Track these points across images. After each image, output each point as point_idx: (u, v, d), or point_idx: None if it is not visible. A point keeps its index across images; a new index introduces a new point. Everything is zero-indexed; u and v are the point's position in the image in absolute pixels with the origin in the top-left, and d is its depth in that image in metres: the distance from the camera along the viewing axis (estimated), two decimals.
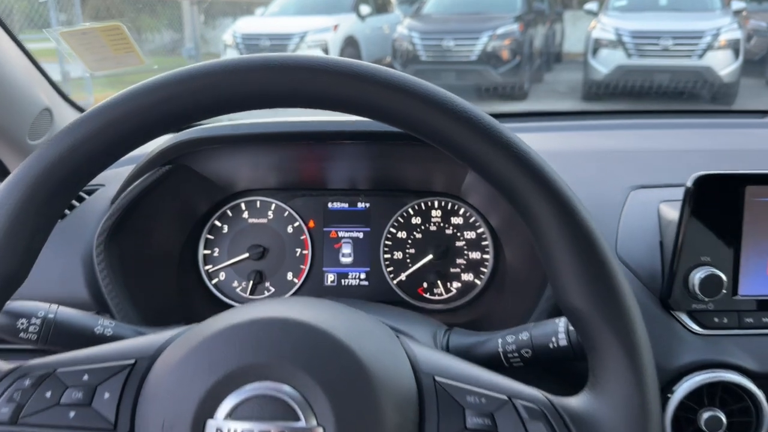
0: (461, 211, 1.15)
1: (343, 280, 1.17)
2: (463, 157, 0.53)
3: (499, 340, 0.76)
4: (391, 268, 1.16)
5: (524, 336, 0.75)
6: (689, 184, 0.87)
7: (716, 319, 0.91)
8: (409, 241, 1.15)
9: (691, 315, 0.91)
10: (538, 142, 0.80)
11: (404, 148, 1.03)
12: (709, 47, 7.40)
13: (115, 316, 0.95)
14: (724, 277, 0.87)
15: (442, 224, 1.15)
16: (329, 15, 8.89)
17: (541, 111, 1.61)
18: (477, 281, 1.14)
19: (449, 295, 1.14)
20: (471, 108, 0.53)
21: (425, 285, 1.15)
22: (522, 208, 0.53)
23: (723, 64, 7.36)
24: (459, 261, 1.14)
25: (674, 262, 0.89)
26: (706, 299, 0.89)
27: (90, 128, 0.52)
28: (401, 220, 1.16)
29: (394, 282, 1.16)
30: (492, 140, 0.52)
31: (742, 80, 7.50)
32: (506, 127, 0.53)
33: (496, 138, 0.52)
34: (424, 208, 1.15)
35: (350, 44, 8.98)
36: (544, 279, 0.92)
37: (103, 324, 0.80)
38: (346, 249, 1.17)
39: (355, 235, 1.17)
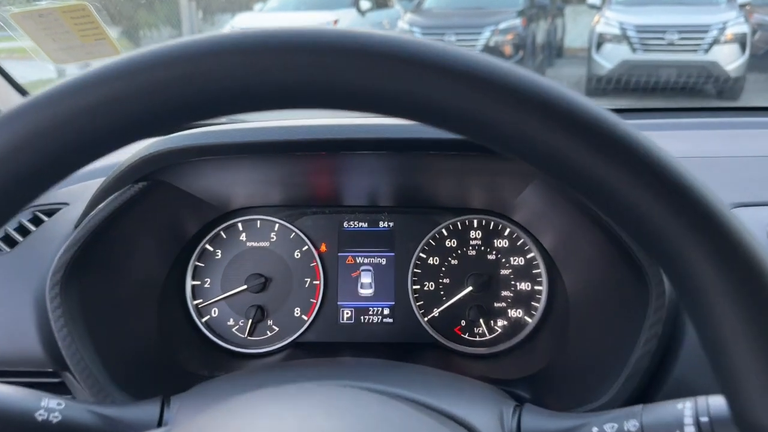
0: (506, 232, 0.97)
1: (362, 317, 0.99)
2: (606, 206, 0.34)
3: (594, 430, 0.55)
4: (421, 302, 0.99)
5: (631, 426, 0.52)
6: None
7: None
8: (443, 269, 0.98)
9: None
10: None
11: (437, 159, 0.83)
12: (716, 41, 7.30)
13: (75, 377, 0.77)
14: None
15: (483, 248, 0.97)
16: (329, 10, 8.78)
17: None
18: (528, 318, 0.96)
19: (493, 335, 0.96)
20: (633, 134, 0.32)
21: (463, 323, 0.97)
22: (680, 275, 0.33)
23: (729, 59, 7.25)
24: (504, 293, 0.96)
25: None
26: None
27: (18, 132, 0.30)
28: (433, 243, 0.99)
29: (426, 319, 0.98)
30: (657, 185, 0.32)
31: (746, 75, 7.40)
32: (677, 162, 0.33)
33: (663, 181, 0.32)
34: (460, 228, 0.98)
35: None
36: (628, 318, 0.74)
37: (48, 407, 0.58)
38: (366, 278, 1.00)
39: (376, 261, 1.00)
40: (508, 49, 7.92)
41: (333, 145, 0.79)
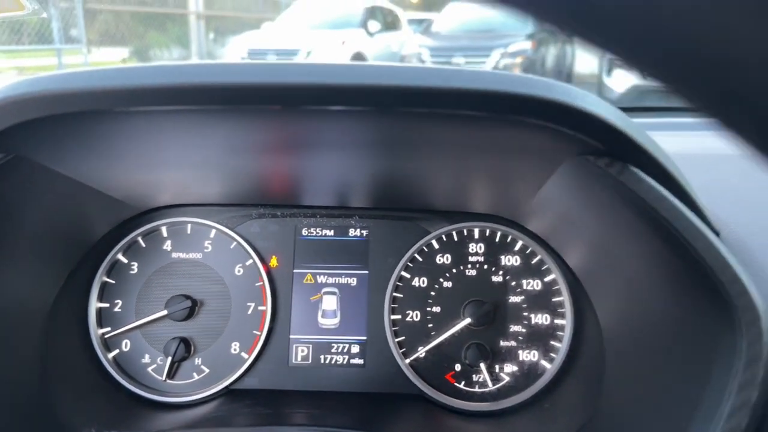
0: (518, 245, 0.73)
1: (323, 357, 0.75)
2: None
3: None
4: (402, 338, 0.75)
5: None
6: None
7: None
8: (433, 294, 0.76)
9: None
10: None
11: (434, 126, 0.56)
12: None
13: None
14: None
15: (486, 266, 0.75)
16: (337, 30, 8.80)
17: None
18: (546, 363, 0.72)
19: (499, 385, 0.73)
20: None
21: (458, 368, 0.74)
22: None
23: None
24: (514, 328, 0.73)
25: None
26: None
27: None
28: (420, 259, 0.76)
29: (407, 361, 0.75)
30: None
31: None
32: None
33: None
34: (457, 239, 0.76)
35: (358, 60, 8.83)
36: (698, 372, 0.51)
37: None
38: (330, 304, 0.77)
39: (344, 281, 0.77)
40: (517, 72, 7.84)
41: (285, 93, 0.49)
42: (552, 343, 0.72)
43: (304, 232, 0.78)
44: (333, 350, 0.76)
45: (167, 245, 0.78)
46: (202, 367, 0.76)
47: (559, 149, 0.57)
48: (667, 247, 0.54)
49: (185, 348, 0.74)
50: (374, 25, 9.45)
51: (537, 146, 0.58)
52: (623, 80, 7.60)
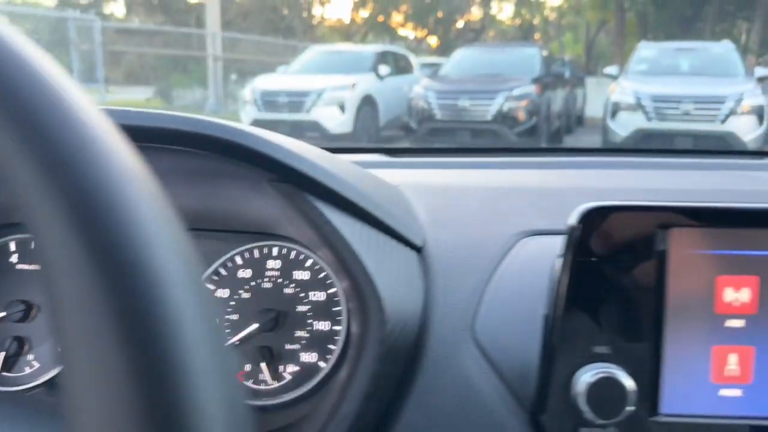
0: (308, 263, 0.82)
1: None
2: None
3: None
4: None
5: None
6: (573, 220, 0.59)
7: None
8: (232, 303, 0.83)
9: None
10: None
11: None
12: (732, 112, 7.23)
13: None
14: (630, 383, 0.58)
15: (281, 280, 0.83)
16: (348, 74, 9.01)
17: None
18: (322, 363, 0.79)
19: (281, 383, 0.80)
20: None
21: (248, 368, 0.81)
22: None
23: (747, 130, 7.16)
24: (299, 333, 0.80)
25: (550, 353, 0.60)
26: (600, 421, 0.58)
27: None
28: (224, 273, 0.84)
29: None
30: None
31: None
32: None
33: None
34: (258, 256, 0.84)
35: (367, 102, 9.03)
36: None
37: None
38: None
39: None
40: (521, 115, 7.96)
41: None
42: (329, 346, 0.80)
43: None
44: None
45: (13, 258, 0.86)
46: (34, 362, 0.84)
47: (253, 176, 0.67)
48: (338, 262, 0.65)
49: (20, 346, 0.82)
50: (384, 69, 9.67)
51: (236, 173, 0.69)
52: (627, 123, 7.69)
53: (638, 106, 7.51)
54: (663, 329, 0.59)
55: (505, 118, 7.93)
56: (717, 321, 0.60)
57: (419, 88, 8.63)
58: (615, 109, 7.75)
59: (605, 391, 0.57)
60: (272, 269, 0.83)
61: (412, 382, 0.65)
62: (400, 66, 10.60)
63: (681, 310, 0.60)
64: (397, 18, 23.22)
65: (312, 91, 8.62)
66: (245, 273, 0.84)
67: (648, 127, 7.43)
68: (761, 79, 8.50)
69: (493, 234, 0.74)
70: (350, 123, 8.54)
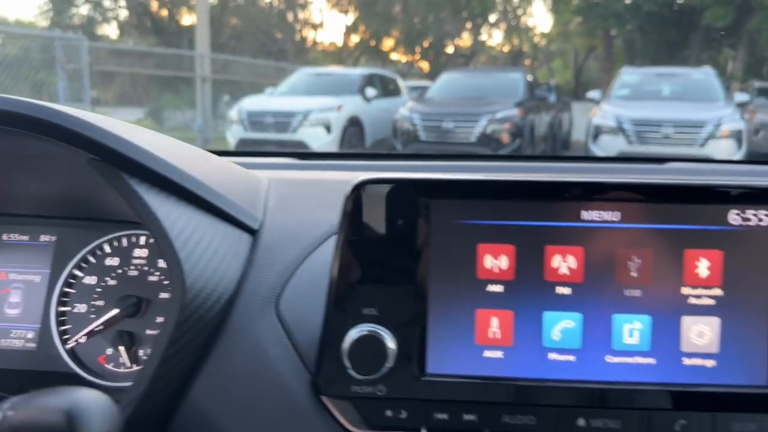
0: None
1: (3, 340, 0.86)
2: None
3: None
4: (68, 326, 0.85)
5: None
6: (348, 191, 0.64)
7: (389, 413, 0.63)
8: (98, 290, 0.85)
9: (356, 405, 0.63)
10: None
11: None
12: (711, 136, 7.33)
13: None
14: (391, 342, 0.61)
15: (147, 268, 0.85)
16: (335, 96, 9.08)
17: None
18: None
19: (139, 367, 0.82)
20: None
21: (109, 352, 0.83)
22: None
23: (725, 154, 7.25)
24: (160, 319, 0.83)
25: (326, 315, 0.64)
26: (360, 376, 0.61)
27: None
28: (93, 260, 0.86)
29: (68, 346, 0.84)
30: None
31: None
32: None
33: None
34: (126, 244, 0.86)
35: (353, 124, 9.10)
36: None
37: None
38: (15, 297, 0.87)
39: (29, 278, 0.87)
40: (504, 137, 8.05)
41: None
42: None
43: (5, 237, 0.90)
44: (12, 335, 0.87)
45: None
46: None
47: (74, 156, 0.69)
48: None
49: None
50: (371, 91, 9.76)
51: (57, 153, 0.70)
52: (608, 146, 7.77)
53: (619, 130, 7.61)
54: (427, 294, 0.63)
55: (489, 140, 8.01)
56: (479, 286, 0.64)
57: (404, 110, 8.72)
58: (596, 133, 7.85)
59: (366, 349, 0.61)
60: (139, 257, 0.86)
61: (212, 348, 0.69)
62: (389, 89, 10.71)
63: (445, 276, 0.64)
64: (388, 43, 23.51)
65: (298, 112, 8.69)
66: (113, 261, 0.86)
67: (629, 150, 7.52)
68: (741, 105, 8.64)
69: (324, 219, 0.79)
70: (336, 143, 8.60)
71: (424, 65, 24.24)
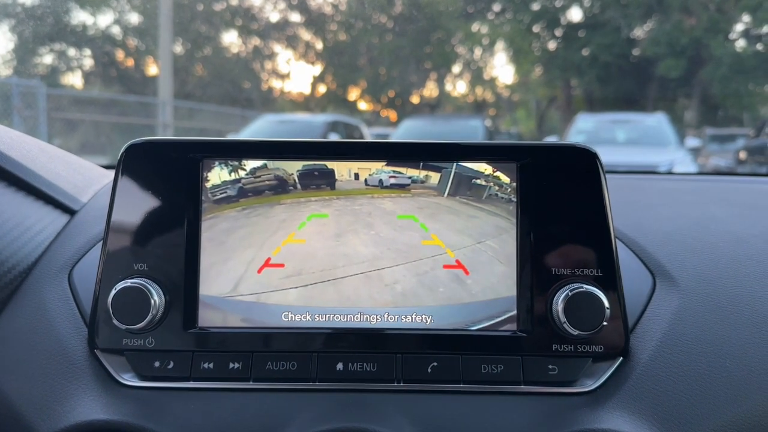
0: None
1: None
2: None
3: None
4: None
5: None
6: (122, 151, 0.69)
7: (157, 363, 0.66)
8: None
9: (129, 357, 0.67)
10: None
11: None
12: None
13: None
14: (156, 295, 0.65)
15: None
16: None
17: None
18: None
19: None
20: None
21: None
22: None
23: None
24: None
25: (99, 271, 0.67)
26: (124, 326, 0.65)
27: None
28: None
29: None
30: None
31: None
32: None
33: None
34: None
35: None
36: None
37: None
38: None
39: None
40: None
41: None
42: None
43: None
44: None
45: None
46: None
47: None
48: None
49: None
50: (334, 137, 9.83)
51: None
52: None
53: None
54: (199, 252, 0.67)
55: None
56: None
57: None
58: None
59: (130, 299, 0.64)
60: None
61: (2, 312, 0.73)
62: (353, 136, 10.81)
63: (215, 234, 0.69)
64: (355, 92, 23.89)
65: None
66: None
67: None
68: (693, 150, 8.90)
69: None
70: None
71: (392, 114, 24.65)
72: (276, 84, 23.92)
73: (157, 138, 0.69)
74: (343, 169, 0.70)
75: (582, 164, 0.69)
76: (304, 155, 0.69)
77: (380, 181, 0.70)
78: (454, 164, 0.69)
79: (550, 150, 0.69)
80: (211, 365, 0.66)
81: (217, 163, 0.68)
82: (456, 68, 24.92)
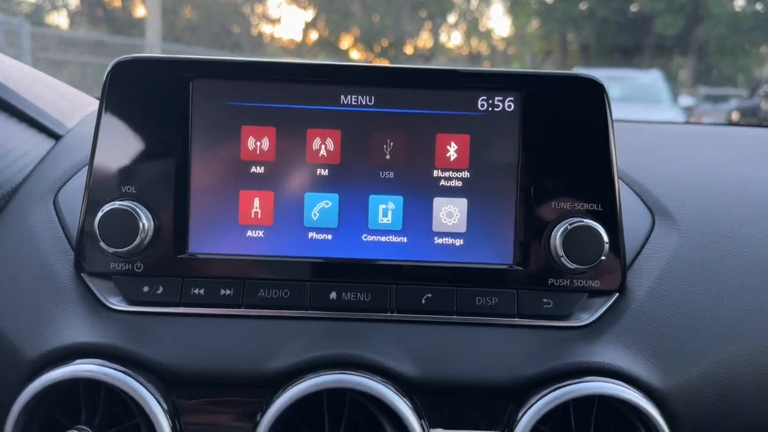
0: None
1: None
2: None
3: None
4: None
5: None
6: (108, 69, 0.65)
7: (146, 288, 0.65)
8: None
9: (116, 282, 0.66)
10: None
11: None
12: None
13: None
14: (144, 219, 0.64)
15: None
16: None
17: None
18: None
19: None
20: None
21: None
22: None
23: None
24: None
25: (86, 193, 0.66)
26: (112, 249, 0.63)
27: None
28: None
29: None
30: None
31: None
32: None
33: None
34: None
35: None
36: None
37: None
38: None
39: None
40: None
41: None
42: None
43: None
44: None
45: None
46: None
47: None
48: None
49: None
50: None
51: None
52: None
53: None
54: (189, 174, 0.66)
55: None
56: (243, 167, 0.66)
57: None
58: None
59: (117, 222, 0.62)
60: None
61: None
62: None
63: (208, 157, 0.66)
64: (347, 40, 23.42)
65: None
66: None
67: None
68: (686, 108, 8.88)
69: None
70: None
71: (384, 64, 24.22)
72: (266, 29, 23.40)
73: (146, 56, 0.66)
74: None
75: (588, 96, 0.67)
76: (297, 77, 0.66)
77: None
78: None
79: (555, 79, 0.67)
80: (201, 291, 0.65)
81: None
82: (451, 18, 24.44)
